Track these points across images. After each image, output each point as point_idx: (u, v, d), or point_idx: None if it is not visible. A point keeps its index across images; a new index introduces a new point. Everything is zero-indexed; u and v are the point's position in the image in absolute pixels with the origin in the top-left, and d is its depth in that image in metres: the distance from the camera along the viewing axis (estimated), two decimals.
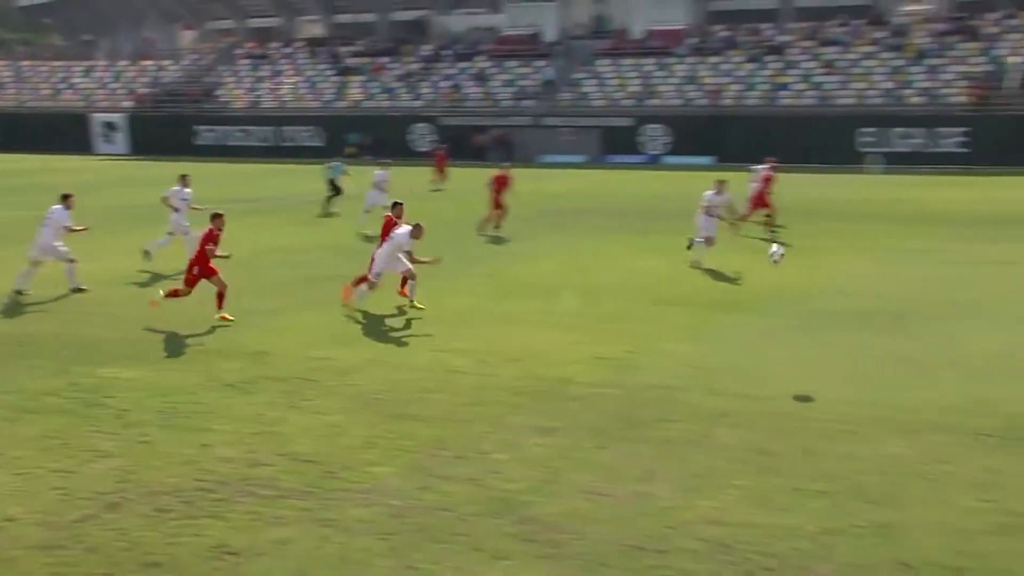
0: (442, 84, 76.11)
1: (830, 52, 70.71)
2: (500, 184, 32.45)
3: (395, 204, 21.96)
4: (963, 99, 64.42)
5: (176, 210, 26.01)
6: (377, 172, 34.57)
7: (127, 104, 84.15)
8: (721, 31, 75.15)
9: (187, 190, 26.40)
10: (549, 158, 65.27)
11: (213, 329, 18.79)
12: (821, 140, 62.61)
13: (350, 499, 10.77)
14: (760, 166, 33.54)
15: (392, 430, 13.01)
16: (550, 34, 78.92)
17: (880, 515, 10.33)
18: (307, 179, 48.71)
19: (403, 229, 20.06)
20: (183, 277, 19.83)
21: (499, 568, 9.24)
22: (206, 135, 78.86)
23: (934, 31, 70.61)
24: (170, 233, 26.15)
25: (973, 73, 66.12)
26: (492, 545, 9.69)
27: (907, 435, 12.84)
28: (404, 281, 20.92)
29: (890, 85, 67.12)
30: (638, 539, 9.80)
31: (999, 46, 67.79)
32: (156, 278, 23.77)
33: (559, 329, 18.73)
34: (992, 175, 52.70)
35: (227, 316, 19.32)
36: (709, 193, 26.16)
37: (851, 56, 70.08)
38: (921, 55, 68.62)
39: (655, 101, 70.23)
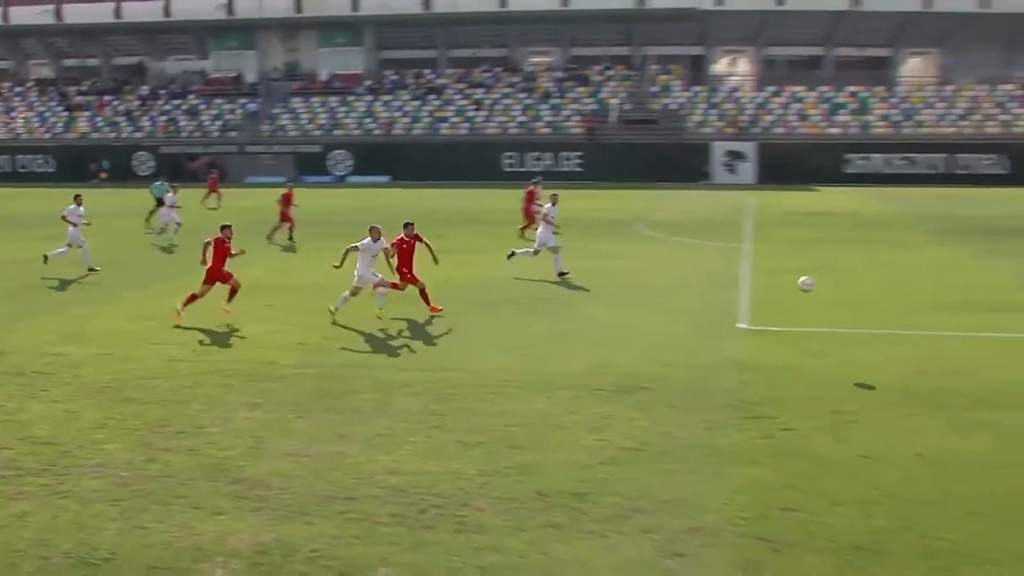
0: (159, 118, 73.20)
1: (478, 92, 71.93)
2: (287, 200, 31.73)
3: (407, 224, 19.35)
4: (578, 130, 67.01)
5: (73, 225, 24.92)
6: (168, 195, 33.25)
7: None
8: (392, 75, 75.19)
9: (80, 208, 25.23)
10: (253, 179, 63.62)
11: None
12: (473, 162, 63.72)
13: (84, 473, 10.31)
14: (530, 184, 33.52)
15: (121, 412, 12.50)
16: (251, 76, 77.06)
17: (524, 457, 10.66)
18: (41, 201, 46.06)
19: (367, 239, 18.35)
20: (201, 281, 18.71)
21: (216, 522, 9.07)
22: None
23: (556, 77, 73.05)
24: (68, 245, 24.93)
25: (585, 110, 68.92)
26: (210, 503, 9.50)
27: (545, 393, 13.25)
28: (424, 296, 19.03)
29: (524, 119, 68.92)
30: (332, 490, 9.80)
31: (603, 90, 70.85)
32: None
33: (266, 321, 18.39)
34: (601, 189, 54.79)
35: (229, 309, 18.63)
36: (547, 206, 24.78)
37: (494, 96, 71.51)
38: (547, 96, 70.86)
39: (339, 131, 69.60)
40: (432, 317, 18.63)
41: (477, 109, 70.41)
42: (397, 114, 70.83)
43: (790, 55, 77.48)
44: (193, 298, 18.56)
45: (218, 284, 18.88)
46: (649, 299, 20.72)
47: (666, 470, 10.30)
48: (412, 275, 19.09)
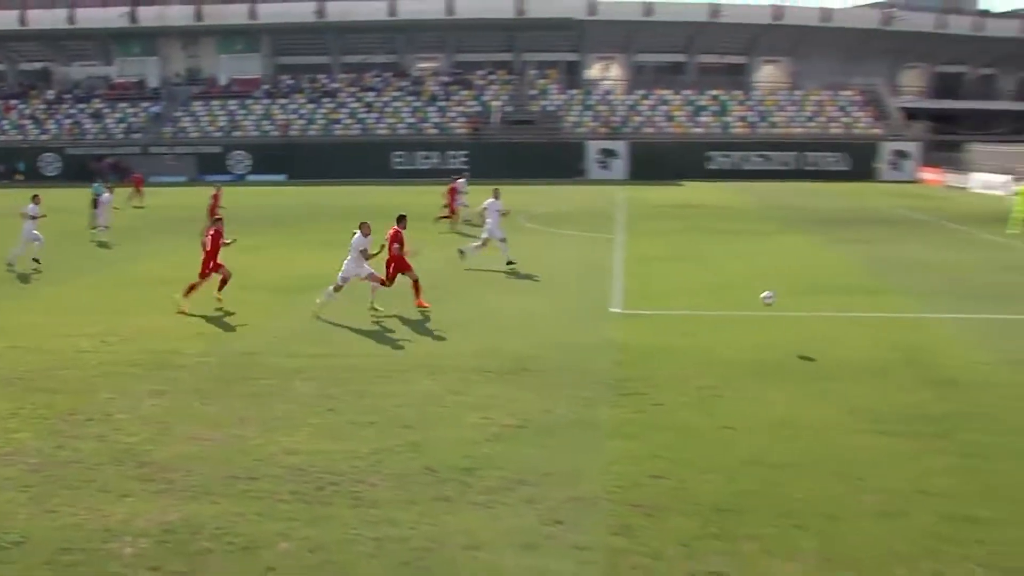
0: (65, 121, 70.76)
1: (369, 96, 71.29)
2: (215, 200, 31.10)
3: (400, 217, 18.38)
4: (464, 131, 66.90)
5: (33, 218, 24.28)
6: (105, 195, 32.26)
7: None
8: (288, 80, 74.07)
9: (37, 208, 24.50)
10: (156, 179, 61.90)
11: None
12: (365, 161, 63.22)
13: None
14: (460, 180, 33.60)
15: (32, 402, 12.01)
16: (153, 81, 75.19)
17: (414, 436, 10.56)
18: None
19: (357, 235, 17.46)
20: (199, 272, 18.39)
21: (124, 504, 8.80)
22: None
23: (442, 82, 72.79)
24: (37, 240, 24.25)
25: (469, 112, 68.84)
26: (117, 486, 9.21)
27: (434, 375, 13.17)
28: (416, 289, 17.98)
29: (413, 120, 68.55)
30: (234, 471, 9.60)
31: (486, 93, 70.86)
32: None
33: (167, 313, 17.83)
34: (486, 185, 54.66)
35: (220, 297, 18.50)
36: (490, 200, 23.96)
37: (384, 99, 70.94)
38: (433, 99, 70.58)
39: (238, 133, 68.30)
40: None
41: (368, 111, 69.78)
42: (293, 116, 69.81)
43: (657, 61, 78.62)
44: (224, 282, 18.65)
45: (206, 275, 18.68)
46: (532, 287, 20.79)
47: (547, 445, 10.32)
48: (406, 267, 18.13)
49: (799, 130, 66.58)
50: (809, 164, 63.18)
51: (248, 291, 19.92)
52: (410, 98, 70.98)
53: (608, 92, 72.71)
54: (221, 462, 9.87)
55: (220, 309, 18.13)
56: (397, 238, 18.08)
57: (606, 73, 78.23)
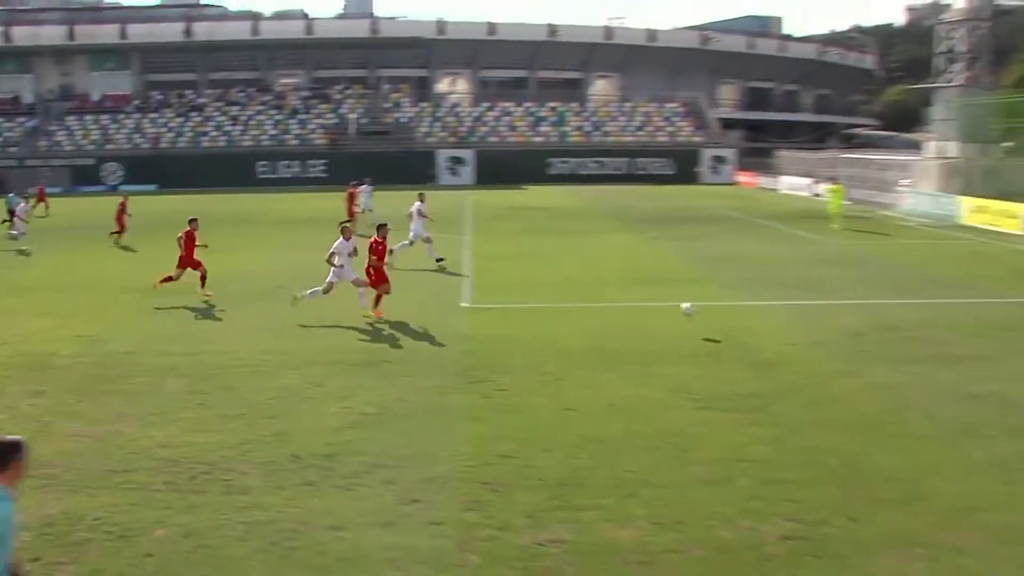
0: None
1: (234, 110, 69.74)
2: (122, 208, 29.84)
3: (380, 226, 17.42)
4: (323, 141, 66.02)
5: None
6: (21, 206, 31.08)
7: None
8: (157, 95, 71.82)
9: None
10: (33, 190, 58.97)
11: None
12: (231, 171, 61.70)
13: None
14: (362, 186, 33.72)
15: None
16: (28, 97, 71.88)
17: (279, 426, 10.43)
18: None
19: (340, 240, 16.49)
20: (176, 268, 18.90)
21: None
22: None
23: (302, 96, 71.70)
24: None
25: (328, 124, 67.98)
26: None
27: (297, 369, 12.99)
28: (377, 299, 16.71)
29: (275, 132, 67.37)
30: (111, 464, 9.31)
31: (343, 107, 70.12)
32: None
33: (46, 316, 17.08)
34: (344, 191, 54.10)
35: (209, 294, 18.68)
36: (417, 204, 23.65)
37: (248, 113, 69.55)
38: (294, 112, 69.47)
39: (111, 146, 65.81)
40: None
41: (234, 124, 68.25)
42: (163, 130, 67.84)
43: (500, 77, 79.31)
44: (169, 279, 18.76)
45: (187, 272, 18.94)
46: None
47: (403, 430, 10.31)
48: (383, 275, 17.13)
49: (629, 138, 68.22)
50: (639, 169, 64.81)
51: (123, 293, 19.25)
52: (273, 111, 69.72)
53: (456, 105, 72.97)
54: (99, 456, 9.55)
55: (206, 303, 18.29)
56: (374, 249, 17.06)
57: (454, 87, 78.48)
